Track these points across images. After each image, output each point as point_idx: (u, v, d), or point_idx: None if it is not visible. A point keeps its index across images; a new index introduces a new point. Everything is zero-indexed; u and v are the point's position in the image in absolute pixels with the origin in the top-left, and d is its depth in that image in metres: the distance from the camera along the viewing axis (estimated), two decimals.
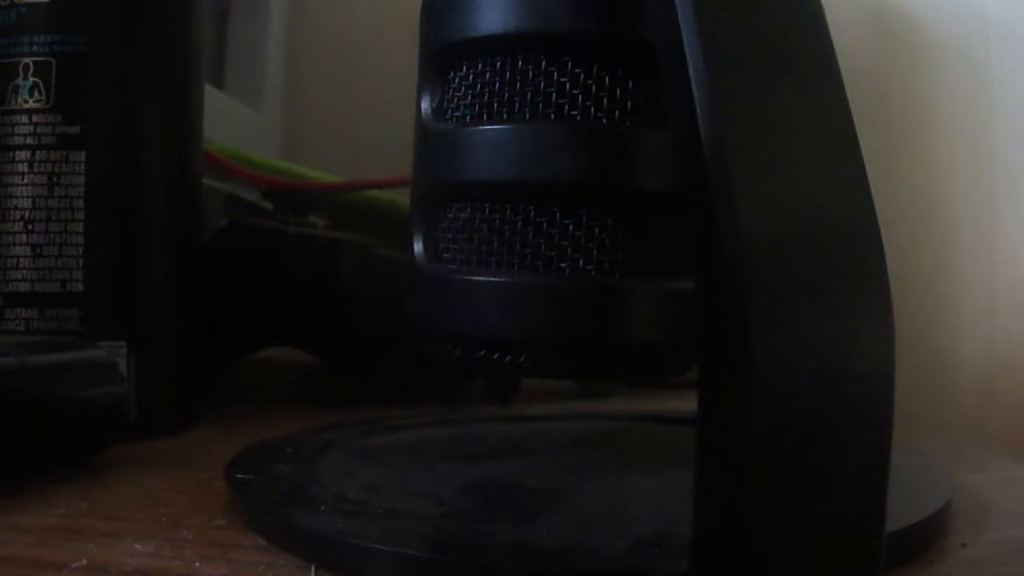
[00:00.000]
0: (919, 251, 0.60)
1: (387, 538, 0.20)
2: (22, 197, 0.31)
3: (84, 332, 0.31)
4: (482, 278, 0.22)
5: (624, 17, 0.21)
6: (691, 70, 0.16)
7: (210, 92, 0.39)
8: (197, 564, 0.20)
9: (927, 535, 0.22)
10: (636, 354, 0.22)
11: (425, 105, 0.24)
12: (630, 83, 0.22)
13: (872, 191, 0.17)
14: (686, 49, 0.16)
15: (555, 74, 0.22)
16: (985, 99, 0.59)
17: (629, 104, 0.22)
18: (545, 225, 0.22)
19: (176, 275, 0.34)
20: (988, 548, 0.23)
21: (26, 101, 0.31)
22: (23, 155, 0.31)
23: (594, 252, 0.22)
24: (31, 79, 0.31)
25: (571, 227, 0.22)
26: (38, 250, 0.31)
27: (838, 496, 0.15)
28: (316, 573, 0.20)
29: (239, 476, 0.25)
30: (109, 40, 0.32)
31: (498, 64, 0.22)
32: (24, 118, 0.31)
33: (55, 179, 0.31)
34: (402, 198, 0.47)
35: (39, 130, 0.31)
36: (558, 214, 0.22)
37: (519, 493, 0.25)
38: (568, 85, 0.22)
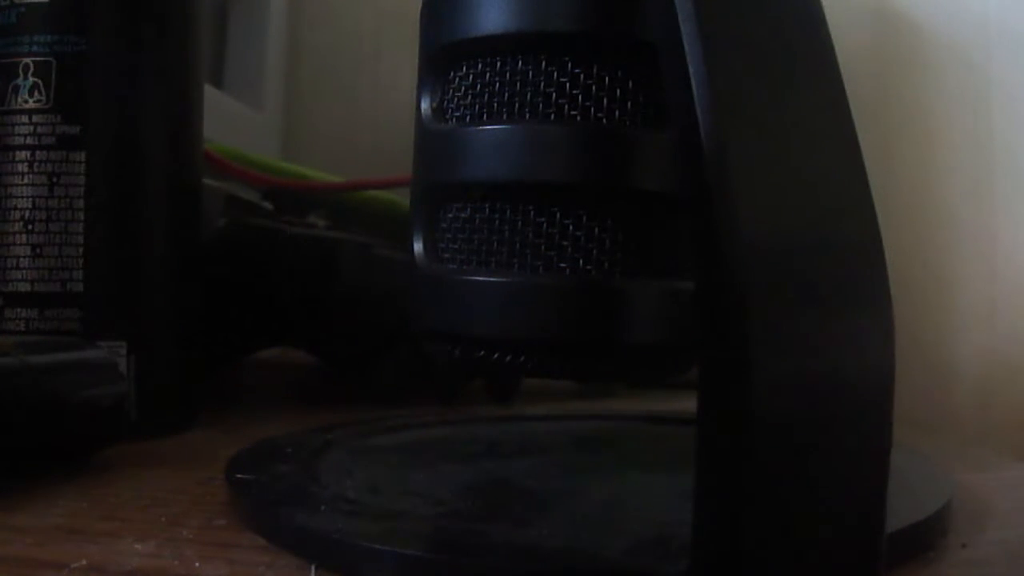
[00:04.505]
0: (919, 251, 0.60)
1: (387, 538, 0.20)
2: (22, 197, 0.31)
3: (84, 332, 0.31)
4: (482, 278, 0.22)
5: (624, 17, 0.21)
6: (691, 70, 0.16)
7: (210, 92, 0.39)
8: (197, 564, 0.20)
9: (927, 535, 0.22)
10: (636, 354, 0.22)
11: (425, 105, 0.24)
12: (630, 83, 0.22)
13: (872, 191, 0.17)
14: (686, 49, 0.16)
15: (555, 74, 0.22)
16: (985, 99, 0.60)
17: (629, 104, 0.22)
18: (545, 225, 0.22)
19: (176, 275, 0.34)
20: (988, 548, 0.23)
21: (26, 101, 0.31)
22: (23, 155, 0.31)
23: (594, 252, 0.22)
24: (31, 79, 0.31)
25: (571, 227, 0.22)
26: (38, 250, 0.31)
27: (838, 496, 0.15)
28: (316, 573, 0.20)
29: (239, 476, 0.25)
30: (109, 40, 0.32)
31: (498, 64, 0.22)
32: (24, 118, 0.31)
33: (55, 179, 0.31)
34: (402, 198, 0.47)
35: (39, 130, 0.31)
36: (558, 214, 0.22)
37: (519, 493, 0.25)
38: (568, 85, 0.22)
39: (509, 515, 0.23)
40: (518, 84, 0.22)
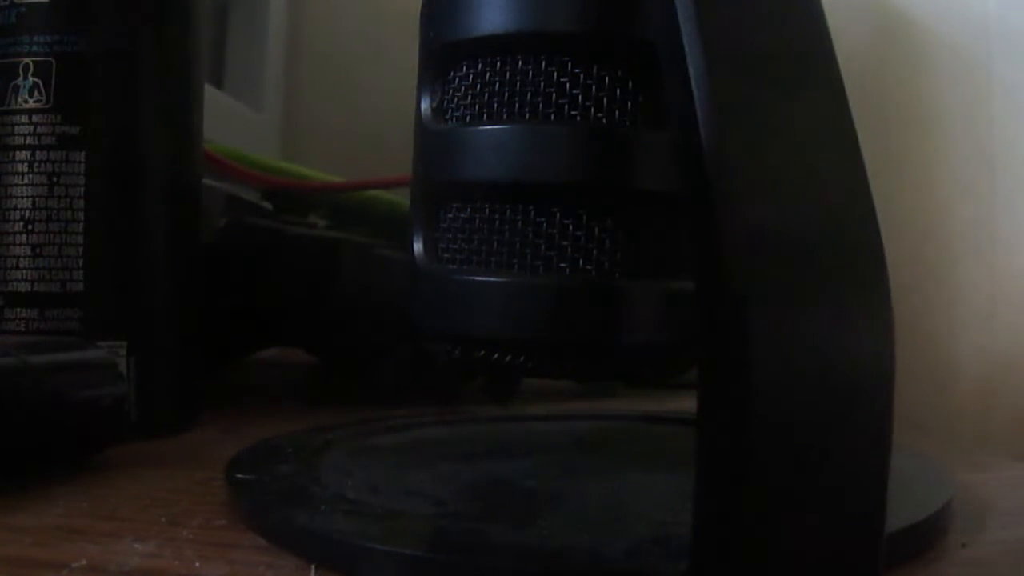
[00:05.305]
0: (919, 251, 0.60)
1: (387, 538, 0.20)
2: (22, 197, 0.31)
3: (84, 332, 0.31)
4: (482, 278, 0.22)
5: (624, 17, 0.21)
6: (691, 70, 0.16)
7: (210, 92, 0.39)
8: (197, 564, 0.20)
9: (927, 535, 0.22)
10: (636, 354, 0.22)
11: (425, 105, 0.24)
12: (630, 83, 0.22)
13: (872, 191, 0.17)
14: (686, 49, 0.16)
15: (555, 74, 0.22)
16: (985, 99, 0.60)
17: (629, 104, 0.22)
18: (545, 225, 0.22)
19: (176, 275, 0.34)
20: (988, 548, 0.23)
21: (26, 101, 0.31)
22: (23, 155, 0.31)
23: (594, 252, 0.22)
24: (31, 79, 0.31)
25: (571, 227, 0.22)
26: (38, 250, 0.31)
27: (838, 496, 0.15)
28: (316, 573, 0.20)
29: (239, 476, 0.25)
30: (109, 40, 0.32)
31: (498, 64, 0.22)
32: (24, 118, 0.31)
33: (55, 179, 0.31)
34: (402, 198, 0.47)
35: (39, 130, 0.31)
36: (558, 214, 0.22)
37: (519, 493, 0.25)
38: (568, 85, 0.22)
39: (509, 515, 0.23)
40: (518, 84, 0.22)
